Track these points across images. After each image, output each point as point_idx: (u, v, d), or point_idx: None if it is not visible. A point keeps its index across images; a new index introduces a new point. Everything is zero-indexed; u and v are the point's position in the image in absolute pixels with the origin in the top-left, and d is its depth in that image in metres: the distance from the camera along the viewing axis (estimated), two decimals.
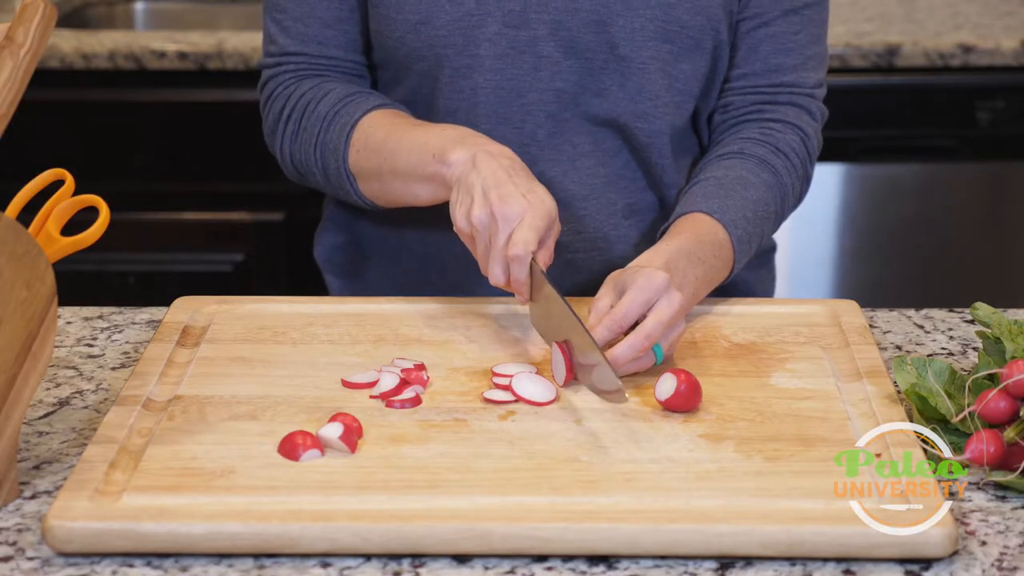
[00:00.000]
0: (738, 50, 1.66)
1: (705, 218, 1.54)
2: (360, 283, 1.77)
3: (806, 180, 1.68)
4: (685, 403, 1.33)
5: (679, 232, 1.52)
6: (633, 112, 1.63)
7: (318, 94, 1.63)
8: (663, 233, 1.55)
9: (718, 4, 1.62)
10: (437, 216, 1.58)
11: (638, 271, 1.41)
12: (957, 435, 1.28)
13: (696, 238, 1.51)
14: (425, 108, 1.65)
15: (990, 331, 1.37)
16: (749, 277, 1.76)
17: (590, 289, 1.64)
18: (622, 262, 1.63)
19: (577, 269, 1.66)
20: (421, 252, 1.71)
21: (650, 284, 1.39)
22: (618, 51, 1.60)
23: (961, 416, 1.27)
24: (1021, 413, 1.25)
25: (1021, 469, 1.23)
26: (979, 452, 1.23)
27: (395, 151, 1.55)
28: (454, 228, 1.46)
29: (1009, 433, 1.24)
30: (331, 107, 1.61)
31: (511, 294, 1.63)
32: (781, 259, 1.97)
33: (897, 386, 1.39)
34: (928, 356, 1.42)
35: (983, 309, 1.39)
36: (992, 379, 1.29)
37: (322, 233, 1.81)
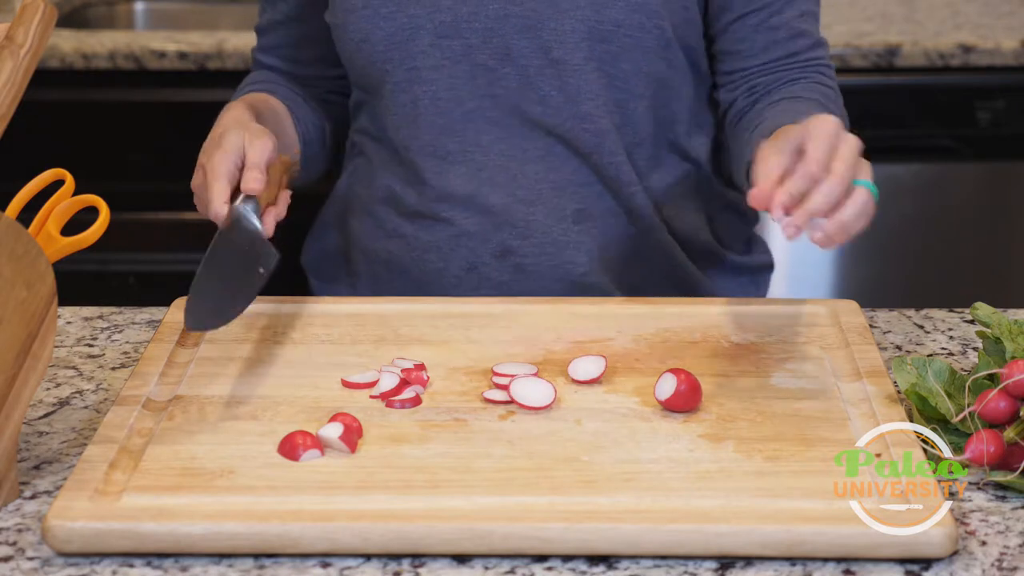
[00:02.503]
0: (752, 42, 1.65)
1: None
2: (337, 288, 1.79)
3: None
4: (685, 403, 1.33)
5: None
6: (575, 114, 1.63)
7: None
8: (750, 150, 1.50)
9: (658, 2, 1.61)
10: (394, 220, 1.66)
11: (805, 124, 1.33)
12: (957, 435, 1.28)
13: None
14: (381, 124, 1.69)
15: (990, 331, 1.37)
16: (737, 292, 1.76)
17: (540, 295, 1.65)
18: (572, 268, 1.65)
19: (527, 275, 1.66)
20: (385, 258, 1.72)
21: (827, 128, 1.31)
22: (552, 55, 1.61)
23: (961, 416, 1.27)
24: (1021, 413, 1.25)
25: (1021, 469, 1.23)
26: (979, 452, 1.23)
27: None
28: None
29: (1009, 433, 1.24)
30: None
31: (512, 294, 1.64)
32: (781, 259, 1.97)
33: (897, 386, 1.39)
34: (928, 356, 1.42)
35: (983, 309, 1.39)
36: (992, 379, 1.29)
37: (308, 239, 1.83)
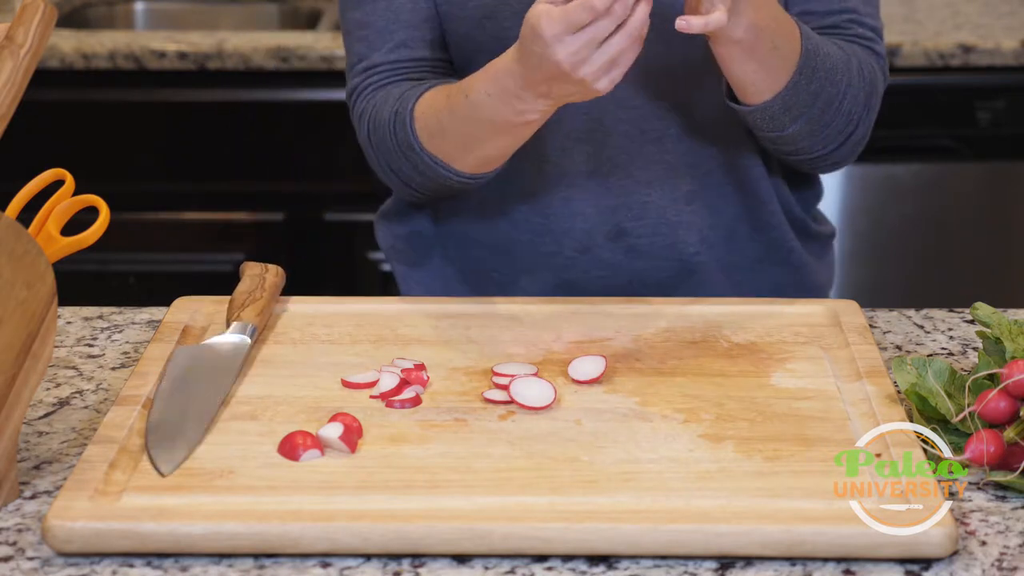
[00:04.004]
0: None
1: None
2: (424, 272, 1.76)
3: (874, 92, 1.64)
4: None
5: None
6: (698, 88, 1.62)
7: (379, 104, 1.62)
8: None
9: None
10: (499, 202, 1.61)
11: None
12: (957, 435, 1.28)
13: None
14: None
15: (990, 331, 1.37)
16: (810, 264, 1.75)
17: (651, 275, 1.66)
18: (684, 247, 1.65)
19: (639, 256, 1.66)
20: (487, 241, 1.71)
21: None
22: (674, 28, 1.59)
23: (961, 416, 1.27)
24: (1021, 413, 1.25)
25: (1021, 469, 1.23)
26: (979, 452, 1.24)
27: (458, 122, 1.53)
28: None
29: (1009, 433, 1.24)
30: (390, 112, 1.60)
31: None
32: None
33: (897, 386, 1.39)
34: (928, 356, 1.42)
35: (983, 309, 1.39)
36: (992, 379, 1.29)
37: (382, 222, 1.80)
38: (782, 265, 1.73)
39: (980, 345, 1.43)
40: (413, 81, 1.64)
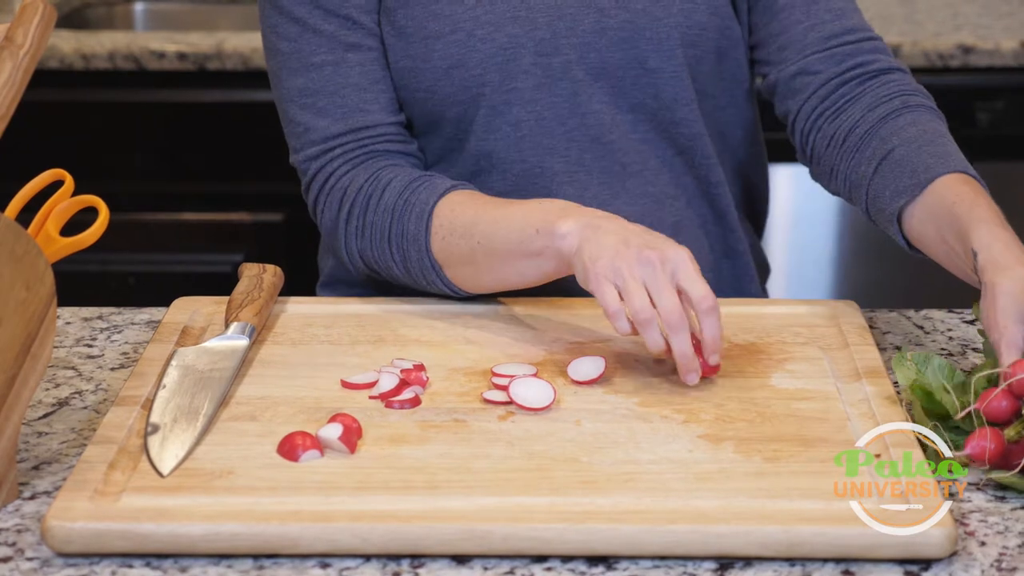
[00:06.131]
0: (792, 8, 1.63)
1: (965, 177, 1.47)
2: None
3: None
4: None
5: (982, 203, 1.42)
6: (671, 120, 1.63)
7: (378, 185, 1.55)
8: (915, 192, 1.46)
9: (725, 1, 1.63)
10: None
11: None
12: (956, 432, 1.28)
13: (991, 204, 1.43)
14: (457, 155, 1.63)
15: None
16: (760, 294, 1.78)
17: None
18: None
19: None
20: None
21: None
22: (647, 64, 1.60)
23: (964, 413, 1.27)
24: (1023, 412, 1.25)
25: (1020, 467, 1.23)
26: (981, 449, 1.24)
27: (490, 232, 1.47)
28: (600, 298, 1.36)
29: (1010, 432, 1.24)
30: (398, 196, 1.53)
31: (517, 294, 1.62)
32: (781, 259, 1.97)
33: (896, 384, 1.39)
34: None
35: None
36: (990, 380, 1.29)
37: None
38: (744, 293, 1.74)
39: (979, 346, 1.43)
40: (373, 161, 1.58)
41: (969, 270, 1.37)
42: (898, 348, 1.53)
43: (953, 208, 1.41)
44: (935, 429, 1.26)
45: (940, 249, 1.43)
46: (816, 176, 1.64)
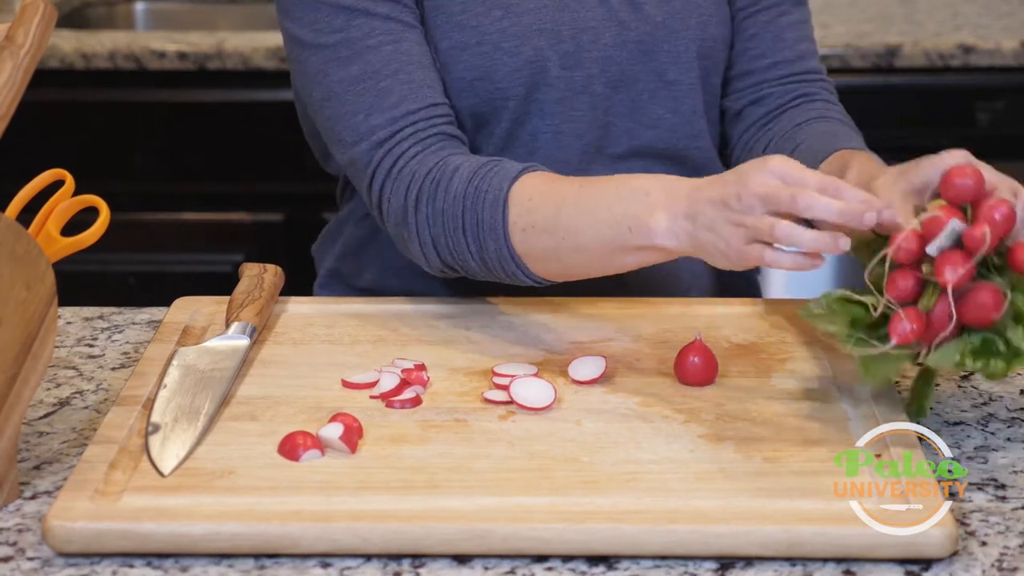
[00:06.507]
0: (760, 40, 1.66)
1: (860, 151, 1.51)
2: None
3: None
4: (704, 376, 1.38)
5: (861, 155, 1.45)
6: (688, 134, 1.64)
7: (446, 170, 1.47)
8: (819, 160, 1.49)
9: (727, 12, 1.64)
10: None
11: (957, 167, 1.30)
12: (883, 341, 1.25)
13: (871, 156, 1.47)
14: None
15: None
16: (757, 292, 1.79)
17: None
18: (678, 286, 1.66)
19: (627, 290, 1.62)
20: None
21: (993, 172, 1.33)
22: (666, 77, 1.61)
23: (881, 309, 1.24)
24: (923, 274, 1.23)
25: (951, 333, 1.21)
26: (904, 332, 1.22)
27: (575, 228, 1.39)
28: (759, 263, 1.29)
29: (924, 302, 1.23)
30: (467, 183, 1.45)
31: (517, 294, 1.62)
32: None
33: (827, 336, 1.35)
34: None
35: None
36: (883, 265, 1.25)
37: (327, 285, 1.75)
38: (742, 293, 1.74)
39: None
40: (438, 145, 1.50)
41: None
42: None
43: (839, 168, 1.45)
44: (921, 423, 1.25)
45: None
46: None
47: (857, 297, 1.28)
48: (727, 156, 1.71)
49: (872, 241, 1.29)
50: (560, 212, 1.40)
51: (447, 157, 1.49)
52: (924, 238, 1.24)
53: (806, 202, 1.24)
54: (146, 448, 1.27)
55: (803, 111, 1.65)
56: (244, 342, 1.44)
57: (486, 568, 1.15)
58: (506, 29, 1.57)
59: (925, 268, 1.24)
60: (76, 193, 1.38)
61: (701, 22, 1.61)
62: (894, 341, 1.23)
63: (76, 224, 1.38)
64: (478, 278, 1.50)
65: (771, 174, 1.27)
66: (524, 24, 1.57)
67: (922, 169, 1.31)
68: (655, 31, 1.60)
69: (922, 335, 1.24)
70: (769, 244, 1.27)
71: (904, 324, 1.23)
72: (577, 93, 1.59)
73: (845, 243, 1.25)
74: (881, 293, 1.25)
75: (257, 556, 1.16)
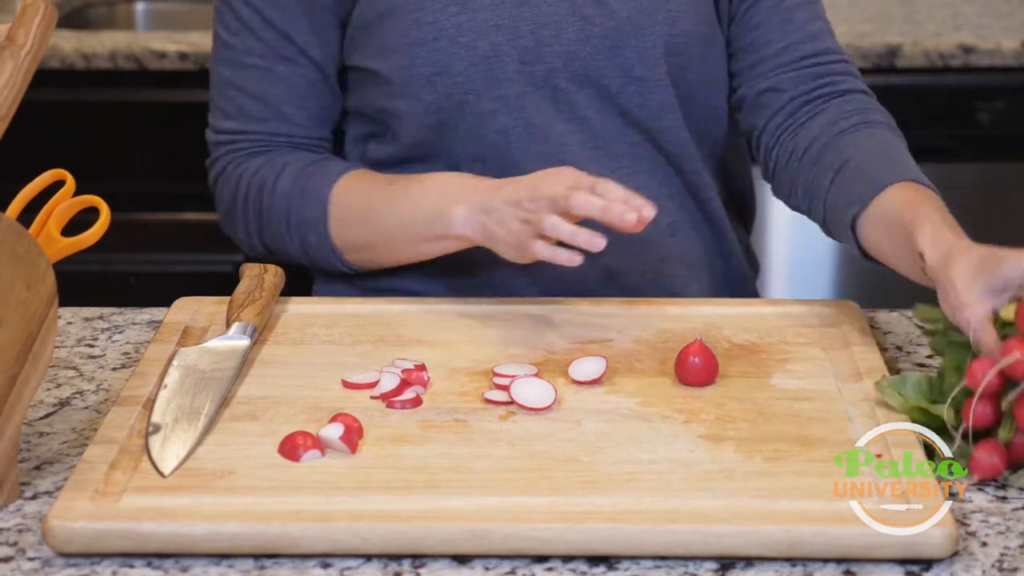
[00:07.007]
0: (768, 27, 1.64)
1: (916, 184, 1.49)
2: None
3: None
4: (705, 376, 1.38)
5: (927, 206, 1.43)
6: (658, 129, 1.63)
7: (274, 170, 1.62)
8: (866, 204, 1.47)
9: (711, 9, 1.63)
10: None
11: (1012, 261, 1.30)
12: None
13: (938, 206, 1.44)
14: (444, 158, 1.62)
15: (931, 326, 1.36)
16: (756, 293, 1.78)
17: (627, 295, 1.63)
18: (673, 282, 1.66)
19: (630, 294, 1.63)
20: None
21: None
22: (632, 73, 1.61)
23: (957, 442, 1.26)
24: (1003, 407, 1.24)
25: None
26: (988, 467, 1.23)
27: (385, 222, 1.56)
28: (532, 259, 1.47)
29: (1002, 435, 1.24)
30: (293, 182, 1.60)
31: (514, 294, 1.62)
32: (781, 259, 1.97)
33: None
34: (899, 372, 1.40)
35: (926, 311, 1.38)
36: (961, 373, 1.27)
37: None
38: (740, 293, 1.74)
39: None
40: (273, 151, 1.63)
41: (921, 272, 1.37)
42: (899, 348, 1.53)
43: (901, 214, 1.43)
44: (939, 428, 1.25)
45: (893, 254, 1.45)
46: (777, 192, 1.65)
47: (933, 411, 1.29)
48: (751, 145, 1.69)
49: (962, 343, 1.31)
50: (372, 206, 1.57)
51: (273, 157, 1.63)
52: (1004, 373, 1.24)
53: (575, 201, 1.41)
54: (146, 448, 1.27)
55: (840, 110, 1.61)
56: (244, 342, 1.44)
57: (486, 568, 1.15)
58: (462, 24, 1.58)
59: (1004, 403, 1.25)
60: (76, 193, 1.38)
61: (670, 18, 1.60)
62: (977, 476, 1.24)
63: (76, 224, 1.38)
64: (296, 263, 1.65)
65: (561, 182, 1.43)
66: (481, 20, 1.58)
67: (1003, 269, 1.30)
68: (620, 26, 1.59)
69: (1006, 467, 1.25)
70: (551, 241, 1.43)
71: (988, 457, 1.24)
72: (538, 88, 1.60)
73: (600, 242, 1.40)
74: (958, 411, 1.26)
75: (257, 556, 1.16)
